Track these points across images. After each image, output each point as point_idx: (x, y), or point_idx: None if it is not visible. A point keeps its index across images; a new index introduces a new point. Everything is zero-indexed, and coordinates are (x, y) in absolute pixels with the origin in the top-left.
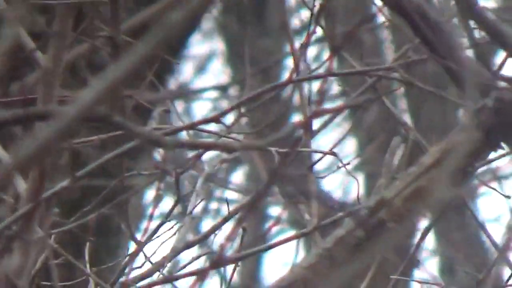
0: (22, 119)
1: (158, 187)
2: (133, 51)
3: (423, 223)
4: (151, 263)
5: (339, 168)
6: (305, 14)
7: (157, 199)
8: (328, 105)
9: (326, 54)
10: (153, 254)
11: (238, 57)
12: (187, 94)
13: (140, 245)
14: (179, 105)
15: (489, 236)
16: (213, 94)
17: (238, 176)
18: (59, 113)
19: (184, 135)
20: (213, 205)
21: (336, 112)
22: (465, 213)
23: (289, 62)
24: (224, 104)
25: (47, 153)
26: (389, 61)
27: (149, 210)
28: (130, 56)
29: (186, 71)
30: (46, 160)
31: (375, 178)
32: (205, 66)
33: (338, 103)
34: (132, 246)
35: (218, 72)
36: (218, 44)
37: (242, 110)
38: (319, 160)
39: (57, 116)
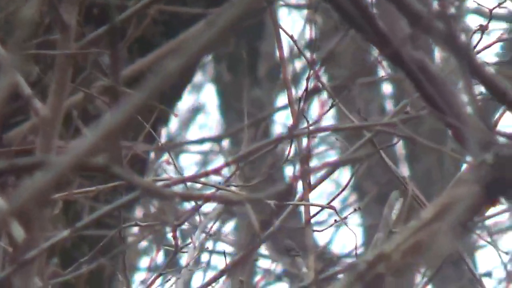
0: (18, 168)
1: (153, 238)
2: (129, 101)
3: (421, 277)
4: None
5: (336, 222)
6: (298, 64)
7: (154, 251)
8: (326, 159)
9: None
10: None
11: (230, 108)
12: (183, 145)
13: None
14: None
15: None
16: (206, 146)
17: (230, 229)
18: (53, 163)
19: (180, 187)
20: (204, 258)
21: (334, 166)
22: (462, 266)
23: (284, 115)
24: (216, 157)
25: (42, 202)
26: (388, 116)
27: (142, 262)
28: (126, 105)
29: (179, 123)
30: (43, 210)
31: (373, 232)
32: (196, 118)
33: (336, 158)
34: None
35: (210, 124)
36: (210, 95)
37: (239, 163)
38: (316, 213)
39: (51, 165)
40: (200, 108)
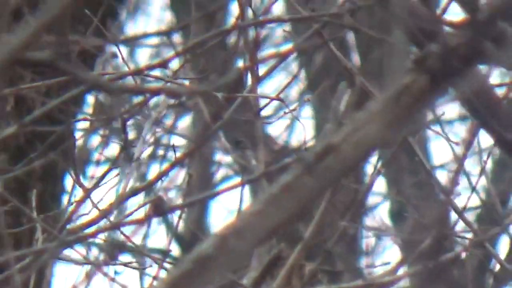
0: None
1: (103, 132)
2: None
3: (372, 168)
4: (97, 209)
5: (285, 113)
6: None
7: (103, 145)
8: (274, 50)
9: None
10: (99, 201)
11: (181, 1)
12: (131, 39)
13: (87, 192)
14: (123, 51)
15: (437, 181)
16: (156, 39)
17: (184, 122)
18: None
19: (130, 80)
20: (160, 152)
21: (282, 57)
22: (415, 158)
23: (234, 7)
24: (168, 50)
25: None
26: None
27: (95, 156)
28: None
29: (129, 15)
30: None
31: (322, 124)
32: (147, 10)
33: (284, 48)
34: (79, 193)
35: (161, 17)
36: None
37: (188, 55)
38: (265, 105)
39: None
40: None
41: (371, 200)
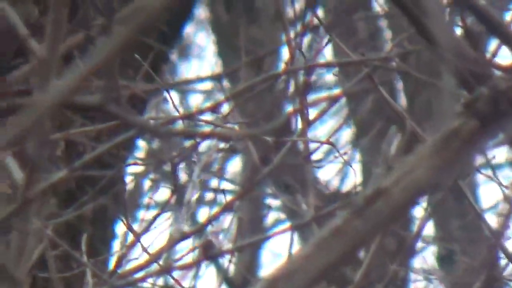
0: (9, 110)
1: (154, 176)
2: (114, 36)
3: (421, 212)
4: (148, 254)
5: (336, 157)
6: (297, 3)
7: (153, 189)
8: (323, 95)
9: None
10: (150, 245)
11: (228, 47)
12: (182, 84)
13: (137, 236)
14: (174, 96)
15: (487, 224)
16: (207, 84)
17: (234, 166)
18: (36, 102)
19: (180, 125)
20: (209, 195)
21: (332, 101)
22: (464, 201)
23: (283, 52)
24: (218, 95)
25: (41, 142)
26: (385, 51)
27: (145, 200)
28: (111, 41)
29: (180, 62)
30: (42, 150)
31: (371, 168)
32: (199, 56)
33: (334, 92)
34: (129, 237)
35: (211, 63)
36: (210, 35)
37: (238, 100)
38: (316, 149)
39: (34, 105)
40: (203, 46)
41: (420, 243)
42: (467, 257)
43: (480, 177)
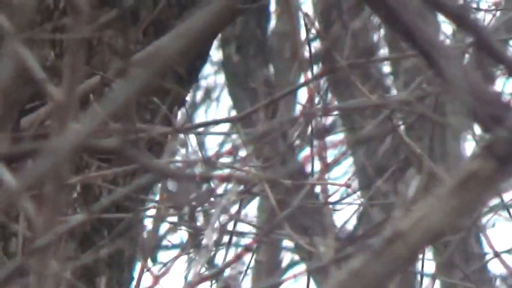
0: (20, 154)
1: (172, 220)
2: (132, 80)
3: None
4: None
5: (354, 200)
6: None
7: (171, 232)
8: (341, 137)
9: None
10: None
11: (241, 88)
12: (199, 127)
13: (156, 279)
14: (191, 139)
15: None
16: (224, 127)
17: (252, 210)
18: (54, 147)
19: (197, 168)
20: (227, 239)
21: (351, 144)
22: (471, 244)
23: (299, 94)
24: (234, 138)
25: (58, 185)
26: (395, 93)
27: (163, 243)
28: (129, 84)
29: (196, 103)
30: (59, 193)
31: (390, 210)
32: (216, 98)
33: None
34: (148, 279)
35: (227, 105)
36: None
37: (255, 143)
38: (334, 193)
39: (52, 150)
40: (216, 88)
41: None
42: None
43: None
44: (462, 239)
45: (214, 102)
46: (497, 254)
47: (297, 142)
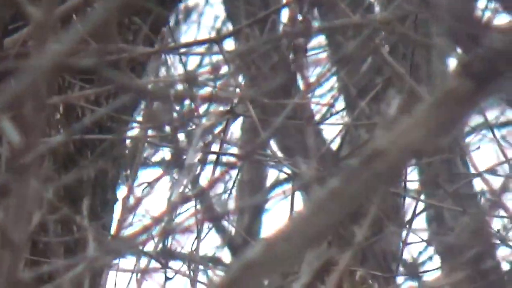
0: (8, 73)
1: (154, 139)
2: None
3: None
4: (149, 217)
5: (337, 120)
6: None
7: (153, 152)
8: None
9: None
10: (151, 208)
11: (235, 6)
12: (181, 47)
13: (138, 200)
14: (173, 59)
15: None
16: (207, 47)
17: (235, 129)
18: (32, 65)
19: (179, 88)
20: (210, 158)
21: (333, 63)
22: (455, 164)
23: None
24: (219, 57)
25: (38, 105)
26: (380, 15)
27: (146, 163)
28: (106, 5)
29: (179, 23)
30: (40, 113)
31: (369, 129)
32: (199, 19)
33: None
34: (131, 200)
35: (213, 25)
36: None
37: (238, 62)
38: (317, 112)
39: (30, 68)
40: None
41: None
42: (459, 221)
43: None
44: (447, 159)
45: (194, 22)
46: (480, 174)
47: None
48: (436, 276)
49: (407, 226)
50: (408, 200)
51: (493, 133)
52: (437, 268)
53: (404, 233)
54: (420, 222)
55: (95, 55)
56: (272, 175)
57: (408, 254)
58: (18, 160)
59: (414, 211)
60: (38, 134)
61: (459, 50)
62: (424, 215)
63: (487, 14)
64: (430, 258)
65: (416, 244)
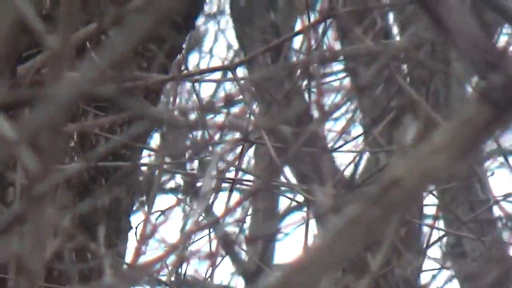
0: (20, 101)
1: (169, 167)
2: (132, 27)
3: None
4: (165, 245)
5: (353, 147)
6: None
7: (169, 180)
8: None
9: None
10: (166, 236)
11: (247, 34)
12: (196, 75)
13: (154, 228)
14: (188, 87)
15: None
16: (221, 74)
17: (250, 158)
18: (55, 94)
19: (194, 116)
20: (225, 187)
21: (350, 91)
22: (474, 190)
23: (300, 40)
24: (233, 85)
25: (54, 133)
26: (396, 42)
27: (161, 191)
28: (129, 32)
29: (193, 52)
30: (56, 141)
31: (386, 157)
32: (212, 47)
33: (350, 82)
34: (146, 228)
35: (226, 54)
36: (226, 22)
37: (253, 91)
38: (333, 139)
39: (52, 97)
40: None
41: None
42: (477, 247)
43: (492, 165)
44: (466, 186)
45: (207, 51)
46: (496, 201)
47: (296, 89)
48: None
49: (423, 253)
50: (425, 228)
51: (506, 160)
52: None
53: (419, 260)
54: (436, 249)
55: (111, 84)
56: (285, 202)
57: (423, 281)
58: (34, 188)
59: (429, 238)
60: (54, 161)
61: (477, 77)
62: (442, 242)
63: (505, 40)
64: (446, 283)
65: (432, 271)
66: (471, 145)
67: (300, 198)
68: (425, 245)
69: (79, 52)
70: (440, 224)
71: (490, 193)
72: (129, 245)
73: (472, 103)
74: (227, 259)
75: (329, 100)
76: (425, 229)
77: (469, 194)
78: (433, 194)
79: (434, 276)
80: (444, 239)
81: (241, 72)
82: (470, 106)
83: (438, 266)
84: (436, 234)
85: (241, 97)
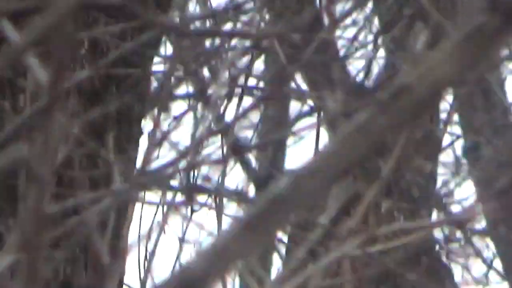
0: (31, 9)
1: (179, 74)
2: None
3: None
4: (175, 151)
5: (363, 54)
6: None
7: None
8: None
9: None
10: (177, 142)
11: None
12: None
13: (164, 134)
14: None
15: None
16: None
17: (260, 65)
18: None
19: (204, 24)
20: (236, 93)
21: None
22: (492, 97)
23: None
24: None
25: (64, 41)
26: None
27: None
28: None
29: None
30: (64, 48)
31: (397, 64)
32: None
33: None
34: (157, 135)
35: None
36: None
37: None
38: (343, 46)
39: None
40: None
41: (446, 137)
42: (494, 150)
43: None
44: (482, 91)
45: None
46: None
47: None
48: (467, 206)
49: (435, 158)
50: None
51: None
52: (465, 199)
53: (431, 165)
54: (449, 154)
55: None
56: (295, 108)
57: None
58: (45, 96)
59: (440, 143)
60: (65, 69)
61: None
62: (458, 146)
63: None
64: (458, 185)
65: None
66: (480, 53)
67: (311, 104)
68: (436, 150)
69: None
70: (456, 129)
71: (505, 98)
72: (140, 152)
73: (481, 11)
74: (238, 165)
75: (339, 7)
76: (439, 134)
77: (486, 99)
78: (447, 100)
79: (445, 182)
80: (459, 144)
81: None
82: (479, 14)
83: (451, 171)
84: (449, 139)
85: (252, 4)
